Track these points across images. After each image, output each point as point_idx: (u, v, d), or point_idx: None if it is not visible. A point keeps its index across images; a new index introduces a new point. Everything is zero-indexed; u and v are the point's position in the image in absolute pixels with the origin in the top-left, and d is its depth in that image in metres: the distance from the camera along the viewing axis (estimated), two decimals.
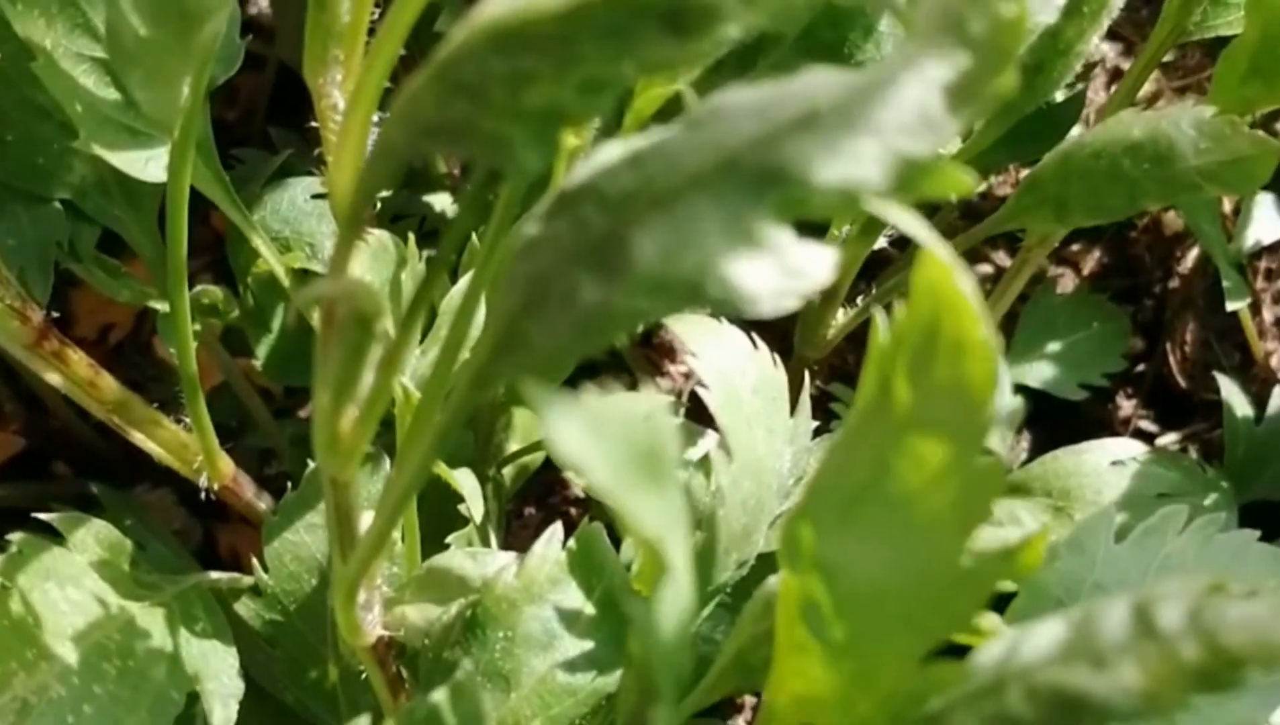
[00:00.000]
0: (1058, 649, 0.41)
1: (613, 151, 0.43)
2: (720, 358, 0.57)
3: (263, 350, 0.77)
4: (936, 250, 0.39)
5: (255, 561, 0.70)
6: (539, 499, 0.84)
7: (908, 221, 0.41)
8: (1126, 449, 0.78)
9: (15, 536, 0.61)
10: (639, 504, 0.38)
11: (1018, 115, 0.68)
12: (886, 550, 0.41)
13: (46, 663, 0.57)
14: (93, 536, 0.63)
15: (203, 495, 0.77)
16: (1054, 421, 0.82)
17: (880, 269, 0.82)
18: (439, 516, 0.72)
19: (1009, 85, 0.43)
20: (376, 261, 0.64)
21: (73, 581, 0.60)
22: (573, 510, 0.85)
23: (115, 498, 0.81)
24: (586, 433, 0.37)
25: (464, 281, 0.65)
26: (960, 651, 0.45)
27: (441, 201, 0.79)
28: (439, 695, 0.45)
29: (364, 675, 0.68)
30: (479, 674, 0.55)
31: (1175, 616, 0.40)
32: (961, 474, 0.39)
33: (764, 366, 0.59)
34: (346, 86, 0.54)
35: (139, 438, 0.70)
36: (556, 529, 0.58)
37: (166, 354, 0.85)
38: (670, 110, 0.52)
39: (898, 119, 0.42)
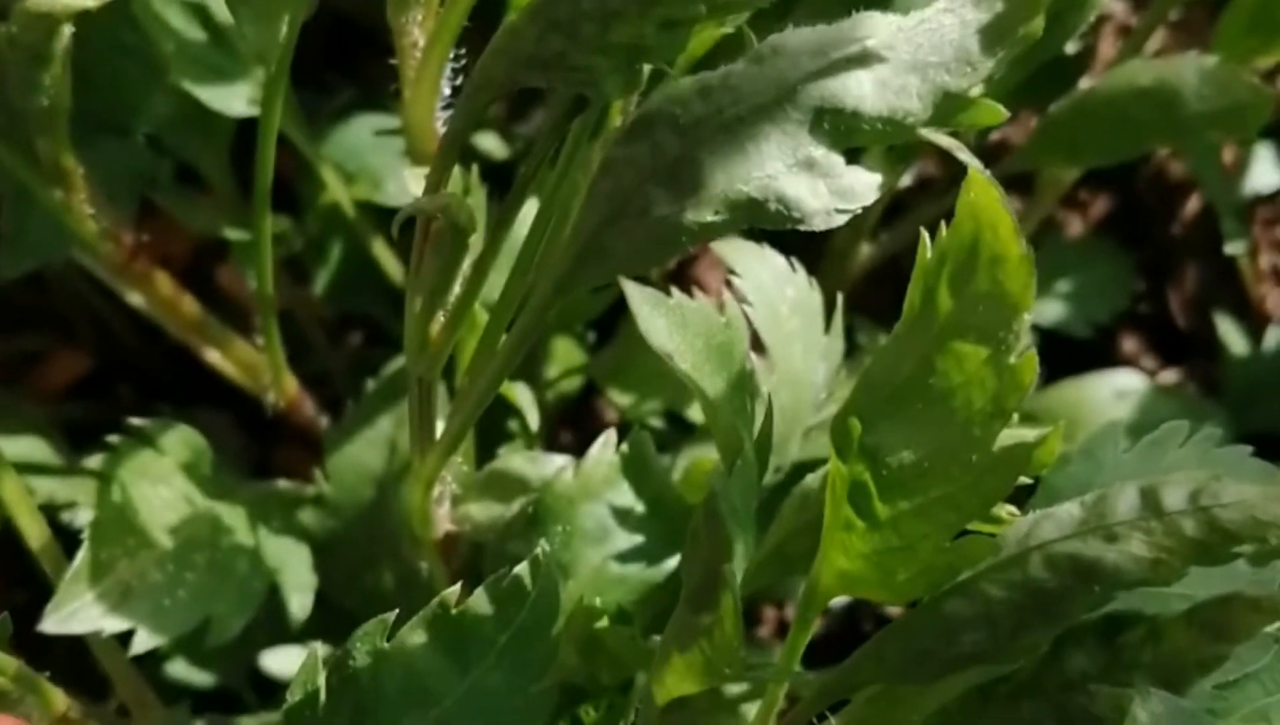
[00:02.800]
0: (1074, 525, 0.46)
1: (684, 82, 0.48)
2: (763, 278, 0.63)
3: (322, 278, 0.82)
4: (979, 173, 0.44)
5: (318, 473, 0.75)
6: (574, 423, 0.90)
7: (952, 146, 0.46)
8: (1129, 381, 0.84)
9: (113, 438, 0.66)
10: (716, 388, 0.43)
11: (1034, 64, 0.73)
12: (928, 438, 0.46)
13: (145, 550, 0.63)
14: (179, 441, 0.69)
15: (265, 414, 0.82)
16: (1062, 357, 0.87)
17: (900, 212, 0.87)
18: (486, 425, 0.77)
19: (1038, 29, 0.48)
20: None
21: (164, 480, 0.66)
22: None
23: (178, 418, 0.86)
24: (674, 327, 0.43)
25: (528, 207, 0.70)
26: None
27: (489, 142, 0.84)
28: (521, 569, 0.50)
29: (421, 578, 0.73)
30: None
31: (1178, 497, 0.45)
32: (997, 372, 0.45)
33: (801, 288, 0.64)
34: (426, 25, 0.59)
35: (213, 357, 0.76)
36: (610, 434, 0.63)
37: (226, 284, 0.90)
38: (719, 50, 0.57)
39: (940, 57, 0.47)
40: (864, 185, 0.47)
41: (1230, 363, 0.87)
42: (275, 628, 0.73)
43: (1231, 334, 0.87)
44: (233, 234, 0.76)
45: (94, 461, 0.66)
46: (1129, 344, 0.91)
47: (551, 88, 0.47)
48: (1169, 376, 0.89)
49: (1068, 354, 0.89)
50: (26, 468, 0.70)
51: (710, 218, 0.47)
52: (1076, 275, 0.89)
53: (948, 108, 0.47)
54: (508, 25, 0.45)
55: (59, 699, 0.57)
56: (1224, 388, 0.87)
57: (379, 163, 0.78)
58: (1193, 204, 0.93)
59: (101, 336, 0.90)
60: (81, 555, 0.62)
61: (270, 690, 0.77)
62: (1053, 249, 0.90)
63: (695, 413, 0.77)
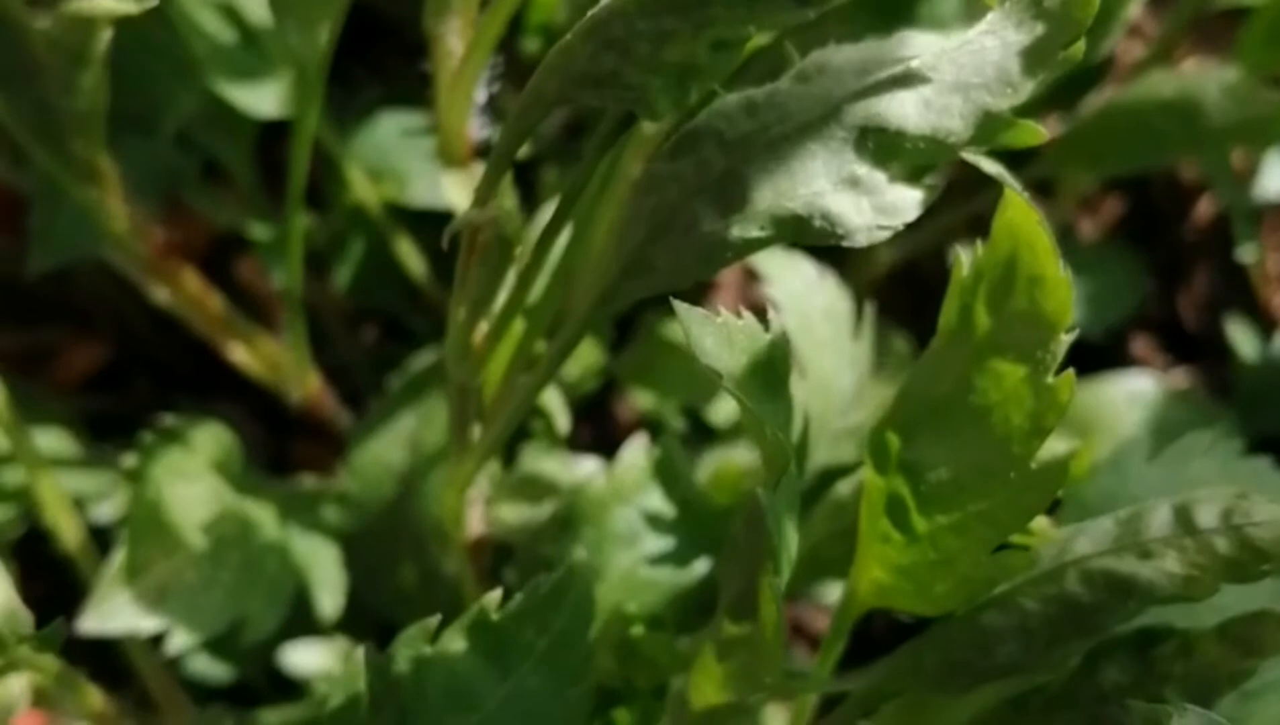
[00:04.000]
0: (1109, 542, 0.47)
1: (730, 99, 0.48)
2: (794, 286, 0.63)
3: (344, 273, 0.83)
4: (1017, 194, 0.45)
5: (341, 469, 0.76)
6: (591, 419, 0.90)
7: (991, 167, 0.47)
8: (1140, 383, 0.85)
9: (145, 436, 0.67)
10: (760, 405, 0.44)
11: (1060, 74, 0.74)
12: (966, 455, 0.47)
13: (181, 550, 0.64)
14: (210, 438, 0.69)
15: (281, 406, 0.82)
16: (1074, 357, 0.89)
17: (922, 215, 0.88)
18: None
19: (1079, 51, 0.49)
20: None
21: (196, 478, 0.66)
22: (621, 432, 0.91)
23: (198, 411, 0.87)
24: (720, 344, 0.43)
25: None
26: None
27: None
28: (559, 575, 0.51)
29: (444, 575, 0.74)
30: None
31: (1211, 516, 0.46)
32: (1035, 391, 0.46)
33: (831, 294, 0.65)
34: (464, 34, 0.59)
35: (236, 352, 0.76)
36: (641, 438, 0.64)
37: (246, 278, 0.91)
38: (754, 60, 0.57)
39: (981, 78, 0.48)
40: (907, 202, 0.48)
41: (1240, 366, 0.88)
42: (294, 622, 0.73)
43: (1241, 337, 0.88)
44: (257, 230, 0.77)
45: (128, 460, 0.66)
46: (1140, 344, 0.92)
47: (600, 105, 0.47)
48: (1178, 377, 0.90)
49: (1080, 353, 0.90)
50: (53, 462, 0.71)
51: (755, 233, 0.47)
52: (1090, 278, 0.90)
53: (989, 128, 0.47)
54: (561, 44, 0.46)
55: (95, 698, 0.58)
56: (1233, 391, 0.88)
57: (406, 162, 0.78)
58: (1204, 207, 0.94)
59: (119, 328, 0.90)
60: (118, 555, 0.62)
61: (286, 682, 0.78)
62: (1068, 250, 0.91)
63: (714, 414, 0.78)
